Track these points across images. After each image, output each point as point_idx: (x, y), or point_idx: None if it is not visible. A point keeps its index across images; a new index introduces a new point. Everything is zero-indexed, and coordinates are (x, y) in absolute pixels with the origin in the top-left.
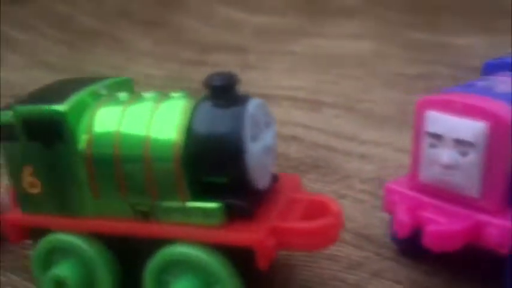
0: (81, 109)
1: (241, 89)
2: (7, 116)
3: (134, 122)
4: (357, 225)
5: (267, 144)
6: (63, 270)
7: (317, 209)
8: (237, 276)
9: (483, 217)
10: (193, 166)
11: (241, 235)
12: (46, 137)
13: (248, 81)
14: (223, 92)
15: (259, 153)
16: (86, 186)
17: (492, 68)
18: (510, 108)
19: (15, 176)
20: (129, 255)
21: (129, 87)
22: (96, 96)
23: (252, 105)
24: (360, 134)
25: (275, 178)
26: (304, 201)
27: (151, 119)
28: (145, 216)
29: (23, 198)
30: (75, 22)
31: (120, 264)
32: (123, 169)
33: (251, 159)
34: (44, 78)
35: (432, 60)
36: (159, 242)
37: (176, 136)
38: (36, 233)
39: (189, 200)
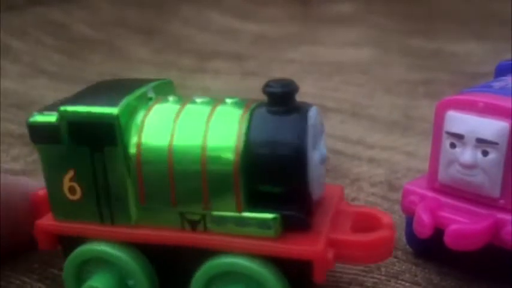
0: (131, 112)
1: (242, 96)
2: (49, 117)
3: (189, 127)
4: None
5: (323, 153)
6: (99, 281)
7: (367, 221)
8: None
9: (503, 216)
10: (251, 174)
11: (300, 247)
12: (95, 140)
13: (249, 88)
14: (282, 99)
15: (318, 162)
16: (132, 193)
17: (505, 69)
18: None
19: (54, 180)
20: (169, 266)
21: (171, 90)
22: (145, 99)
23: (313, 114)
24: (366, 139)
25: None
26: (352, 212)
27: (207, 125)
28: (193, 226)
29: (59, 205)
30: (73, 31)
31: (159, 276)
32: (176, 175)
33: (312, 169)
34: (43, 87)
35: (431, 66)
36: (204, 253)
37: (235, 142)
38: (68, 241)
39: (244, 210)
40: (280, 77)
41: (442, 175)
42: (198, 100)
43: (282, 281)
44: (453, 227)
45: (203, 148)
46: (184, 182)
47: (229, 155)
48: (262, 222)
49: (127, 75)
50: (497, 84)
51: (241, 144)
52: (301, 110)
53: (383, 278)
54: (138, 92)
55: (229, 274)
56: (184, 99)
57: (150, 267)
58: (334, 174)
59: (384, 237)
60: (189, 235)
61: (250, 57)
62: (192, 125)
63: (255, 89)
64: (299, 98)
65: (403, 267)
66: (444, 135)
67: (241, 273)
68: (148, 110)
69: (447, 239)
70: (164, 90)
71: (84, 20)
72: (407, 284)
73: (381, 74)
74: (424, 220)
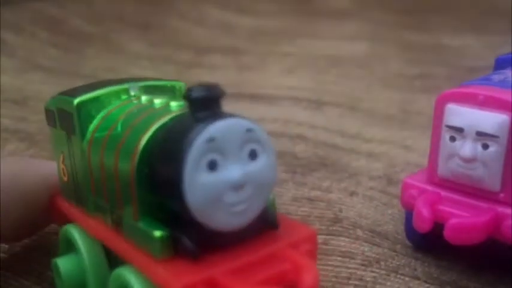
0: (97, 106)
1: (239, 90)
2: (50, 103)
3: (119, 129)
4: (369, 222)
5: (234, 178)
6: (64, 260)
7: (292, 274)
8: None
9: (503, 210)
10: (145, 182)
11: (166, 276)
12: (67, 127)
13: (246, 82)
14: (202, 106)
15: (215, 186)
16: (88, 182)
17: (504, 62)
18: None
19: (57, 161)
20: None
21: (176, 92)
22: (123, 96)
23: (218, 126)
24: (364, 133)
25: (270, 223)
26: (288, 261)
27: (131, 128)
28: (118, 227)
29: (60, 184)
30: (69, 25)
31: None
32: (106, 174)
33: (193, 191)
34: (39, 82)
35: (428, 60)
36: None
37: (136, 149)
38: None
39: (140, 221)
40: (278, 71)
41: (442, 169)
42: (156, 101)
43: None
44: (453, 221)
45: (117, 152)
46: (109, 182)
47: (128, 160)
48: (150, 238)
49: (123, 69)
50: (496, 77)
51: (139, 150)
52: (206, 121)
53: (382, 272)
54: (114, 88)
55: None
56: (149, 100)
57: (103, 259)
58: (333, 168)
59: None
60: (112, 235)
61: (246, 51)
62: (123, 126)
63: (251, 82)
64: (296, 92)
65: (403, 261)
66: (444, 129)
67: None
68: (114, 106)
69: (447, 233)
70: (164, 92)
71: (80, 14)
72: (407, 279)
73: (378, 68)
74: (424, 214)
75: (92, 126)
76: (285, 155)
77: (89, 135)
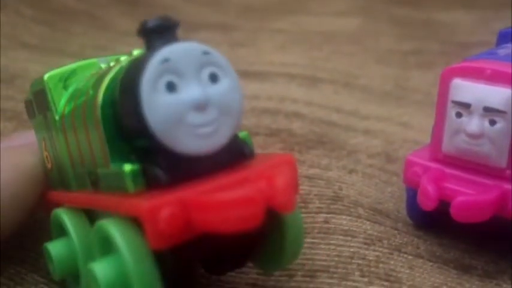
0: (67, 80)
1: (237, 67)
2: (28, 94)
3: (85, 88)
4: (370, 200)
5: (195, 97)
6: (54, 244)
7: (268, 191)
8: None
9: (510, 187)
10: (111, 125)
11: (134, 203)
12: (43, 108)
13: (239, 59)
14: (158, 36)
15: (175, 106)
16: (67, 158)
17: (507, 36)
18: None
19: (40, 150)
20: None
21: None
22: (92, 70)
23: (171, 48)
24: (360, 110)
25: (244, 152)
26: (262, 178)
27: (95, 84)
28: (95, 186)
29: (47, 174)
30: (54, 1)
31: None
32: (77, 135)
33: (153, 112)
34: (25, 60)
35: (420, 36)
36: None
37: (98, 91)
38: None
39: (111, 165)
40: (270, 47)
41: (447, 145)
42: (122, 58)
43: (132, 243)
44: (460, 199)
45: (84, 105)
46: (82, 144)
47: (92, 108)
48: (121, 176)
49: (110, 46)
50: (502, 51)
51: (101, 93)
52: (157, 47)
53: (385, 251)
54: (84, 62)
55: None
56: (115, 61)
57: (87, 233)
58: (330, 145)
59: (240, 198)
60: (91, 197)
61: (237, 27)
62: (88, 86)
63: (243, 58)
64: (289, 68)
65: (405, 239)
66: (450, 104)
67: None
68: (87, 78)
69: (454, 211)
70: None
71: None
72: (410, 257)
73: (371, 44)
74: (430, 192)
75: (63, 100)
76: (282, 132)
77: (61, 108)
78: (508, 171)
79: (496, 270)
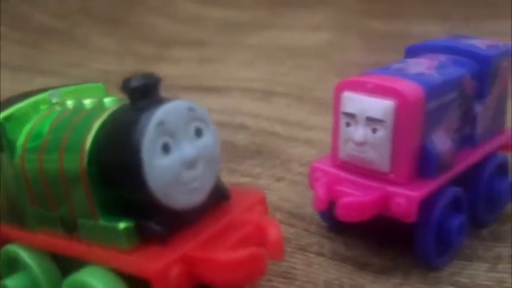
0: (21, 119)
1: (195, 82)
2: None
3: (57, 133)
4: (290, 205)
5: (187, 156)
6: (13, 280)
7: (259, 234)
8: None
9: (392, 189)
10: (99, 180)
11: (140, 263)
12: None
13: (204, 75)
14: (141, 95)
15: (172, 167)
16: (26, 197)
17: (414, 51)
18: (417, 87)
19: None
20: (69, 269)
21: (99, 93)
22: (45, 106)
23: (164, 110)
24: (306, 121)
25: (223, 195)
26: (250, 224)
27: (70, 130)
28: (71, 233)
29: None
30: (35, 21)
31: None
32: (47, 182)
33: (154, 175)
34: (2, 79)
35: (387, 48)
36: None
37: (82, 147)
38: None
39: (100, 218)
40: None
41: (341, 152)
42: (86, 102)
43: None
44: (343, 200)
45: (61, 154)
46: (55, 189)
47: (76, 161)
48: (115, 232)
49: (86, 64)
50: (396, 66)
51: (86, 149)
52: (151, 107)
53: (289, 250)
54: (34, 99)
55: None
56: (77, 103)
57: (54, 272)
58: (267, 155)
59: (248, 257)
60: (65, 242)
61: (211, 44)
62: (61, 131)
63: (208, 74)
64: (248, 83)
65: (313, 240)
66: (341, 115)
67: None
68: (41, 116)
69: (338, 211)
70: (88, 94)
71: (48, 10)
72: (311, 255)
73: (336, 58)
74: (319, 194)
75: (20, 140)
76: (225, 144)
77: (19, 148)
78: (391, 175)
79: (390, 267)
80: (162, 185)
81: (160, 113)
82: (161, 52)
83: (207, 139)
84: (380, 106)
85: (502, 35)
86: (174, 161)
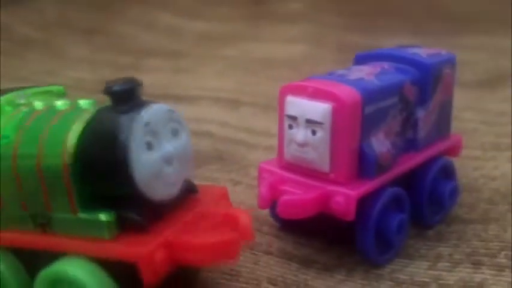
0: None
1: (166, 91)
2: None
3: (32, 133)
4: (245, 207)
5: (167, 153)
6: None
7: (229, 223)
8: None
9: (332, 188)
10: (81, 176)
11: (126, 249)
12: None
13: (177, 84)
14: (123, 98)
15: (155, 163)
16: None
17: (362, 59)
18: (354, 92)
19: None
20: (37, 267)
21: (61, 95)
22: (12, 106)
23: (149, 112)
24: (272, 129)
25: (192, 189)
26: (219, 215)
27: (48, 130)
28: (43, 228)
29: None
30: (14, 32)
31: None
32: (20, 180)
33: (140, 170)
34: None
35: None
36: (56, 255)
37: (64, 145)
38: None
39: (80, 212)
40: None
41: (286, 154)
42: (58, 103)
43: None
44: (284, 198)
45: (39, 152)
46: (29, 187)
47: (58, 158)
48: (96, 224)
49: (61, 73)
50: (339, 72)
51: (70, 147)
52: (135, 109)
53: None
54: (1, 99)
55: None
56: (46, 103)
57: (20, 271)
58: (228, 161)
59: (224, 241)
60: (39, 238)
61: (187, 55)
62: (35, 130)
63: (181, 84)
64: (218, 93)
65: (263, 239)
66: (284, 118)
67: (68, 281)
68: (10, 116)
69: (279, 209)
70: (51, 96)
71: (28, 21)
72: (259, 254)
73: (308, 69)
74: (262, 193)
75: None
76: None
77: None
78: (331, 175)
79: (335, 265)
80: (146, 179)
81: (146, 115)
82: (137, 62)
83: (182, 139)
84: (319, 109)
85: (472, 49)
86: (156, 157)
